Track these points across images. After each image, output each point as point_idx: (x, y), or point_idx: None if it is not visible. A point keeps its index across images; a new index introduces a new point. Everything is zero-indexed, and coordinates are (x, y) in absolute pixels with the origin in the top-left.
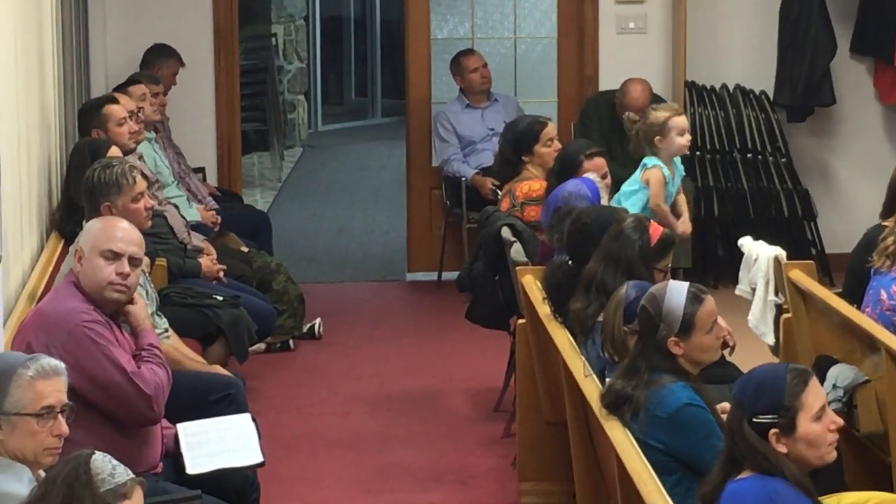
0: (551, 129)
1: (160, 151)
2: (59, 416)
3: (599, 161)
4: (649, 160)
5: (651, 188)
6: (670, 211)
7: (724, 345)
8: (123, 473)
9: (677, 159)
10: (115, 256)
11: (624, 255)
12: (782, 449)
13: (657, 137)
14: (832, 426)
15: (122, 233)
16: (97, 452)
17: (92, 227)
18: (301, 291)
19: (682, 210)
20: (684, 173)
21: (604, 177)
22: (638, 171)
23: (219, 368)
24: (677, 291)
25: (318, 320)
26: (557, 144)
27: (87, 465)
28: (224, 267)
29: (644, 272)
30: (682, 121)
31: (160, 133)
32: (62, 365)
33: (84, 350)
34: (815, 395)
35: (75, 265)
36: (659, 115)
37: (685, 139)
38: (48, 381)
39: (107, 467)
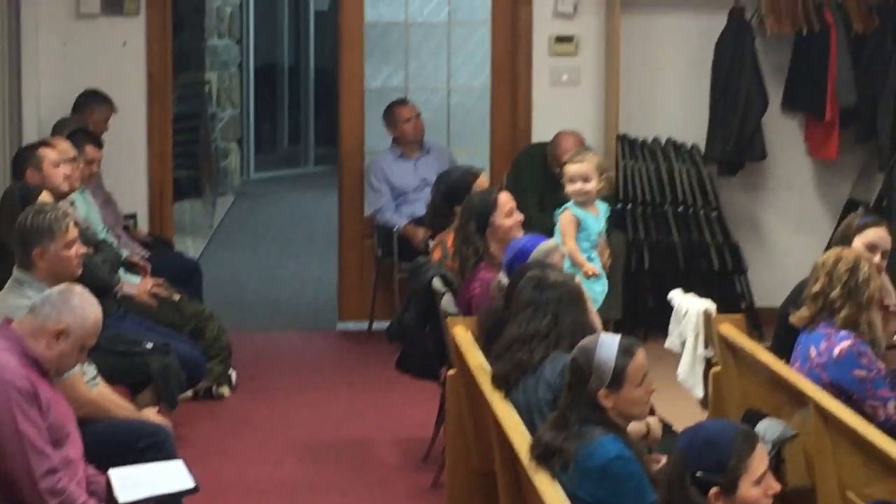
0: (484, 180)
1: (91, 200)
2: None
3: (505, 196)
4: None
5: (560, 228)
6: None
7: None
8: None
9: (599, 202)
10: (84, 350)
11: (549, 305)
12: None
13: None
14: (770, 491)
15: (98, 328)
16: None
17: (88, 315)
18: (229, 340)
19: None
20: (608, 213)
21: (510, 213)
22: None
23: (151, 413)
24: (608, 344)
25: (232, 372)
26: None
27: None
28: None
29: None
30: (570, 168)
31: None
32: None
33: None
34: (760, 459)
35: (50, 341)
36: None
37: (572, 187)
38: None
39: None
